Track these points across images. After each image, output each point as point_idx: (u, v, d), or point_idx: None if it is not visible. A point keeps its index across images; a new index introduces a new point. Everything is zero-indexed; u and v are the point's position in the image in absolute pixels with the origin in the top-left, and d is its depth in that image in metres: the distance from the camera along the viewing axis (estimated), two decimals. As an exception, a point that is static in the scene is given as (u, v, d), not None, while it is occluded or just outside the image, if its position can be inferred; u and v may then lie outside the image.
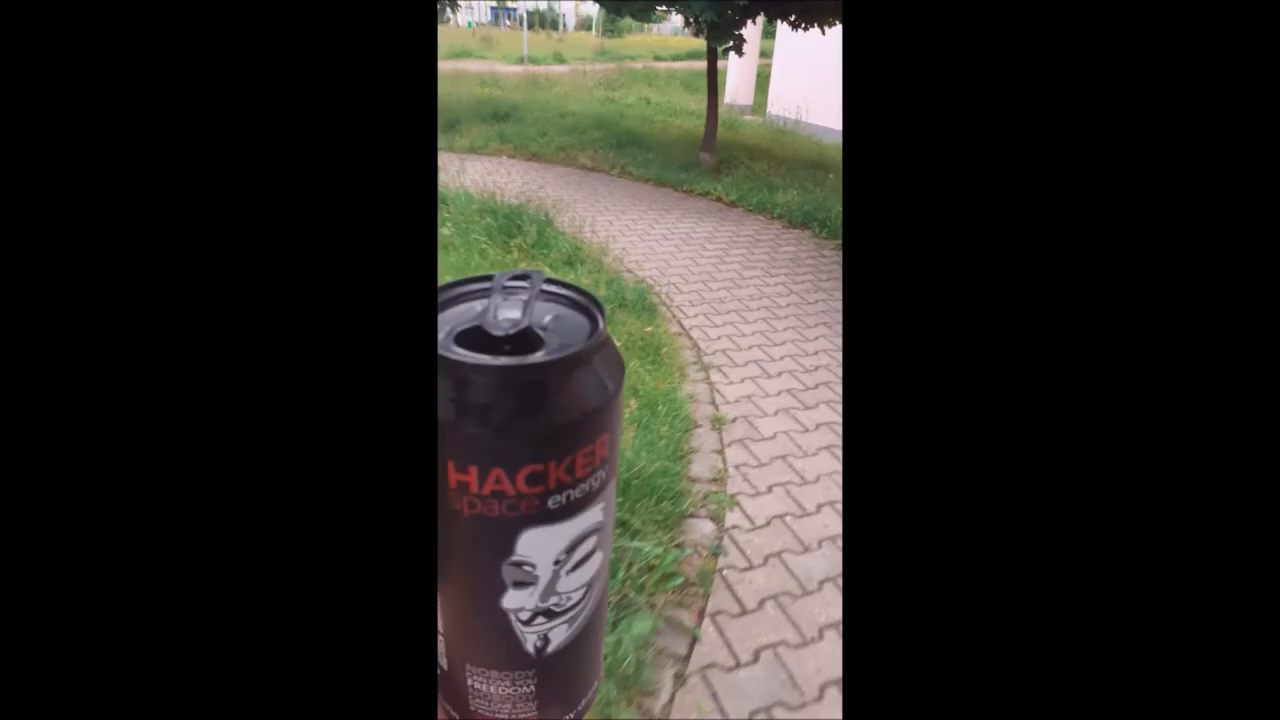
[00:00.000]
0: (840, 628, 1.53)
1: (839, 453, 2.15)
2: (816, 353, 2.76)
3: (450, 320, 0.22)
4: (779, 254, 3.80)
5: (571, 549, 0.23)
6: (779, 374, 2.62)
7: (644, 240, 3.98)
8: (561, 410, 0.21)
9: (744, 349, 2.80)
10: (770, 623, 1.56)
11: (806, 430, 2.27)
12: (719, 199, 4.88)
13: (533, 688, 0.24)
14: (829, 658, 1.44)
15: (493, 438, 0.20)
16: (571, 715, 0.26)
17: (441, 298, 0.24)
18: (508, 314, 0.23)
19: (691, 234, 4.18)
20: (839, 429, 2.27)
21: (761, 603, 1.61)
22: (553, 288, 0.25)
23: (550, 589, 0.23)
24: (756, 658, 1.46)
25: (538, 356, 0.21)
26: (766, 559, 1.74)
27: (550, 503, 0.21)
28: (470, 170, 4.87)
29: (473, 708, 0.25)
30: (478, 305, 0.24)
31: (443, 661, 0.25)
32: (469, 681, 0.24)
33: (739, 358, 2.73)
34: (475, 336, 0.21)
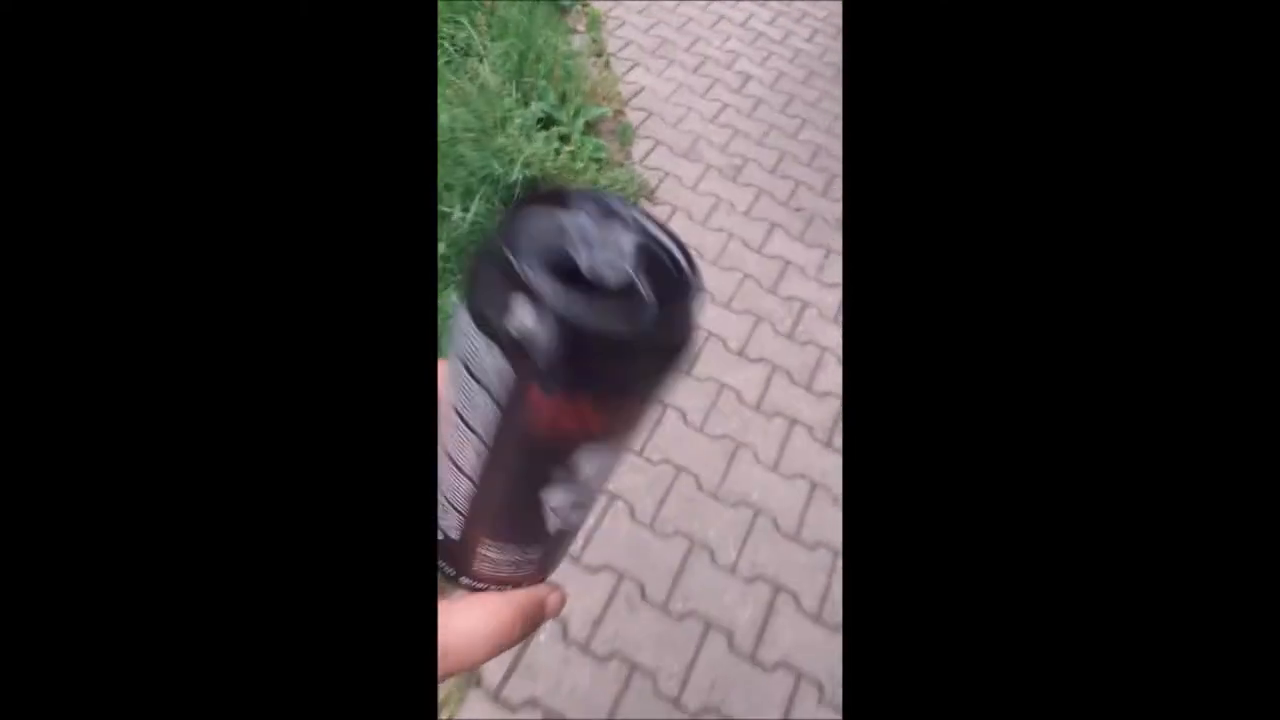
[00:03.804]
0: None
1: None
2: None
3: (530, 235, 0.21)
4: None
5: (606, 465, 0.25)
6: None
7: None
8: (645, 373, 0.22)
9: None
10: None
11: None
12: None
13: (539, 555, 0.27)
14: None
15: (582, 374, 0.20)
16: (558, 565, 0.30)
17: (518, 209, 0.22)
18: (604, 254, 0.21)
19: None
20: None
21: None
22: (643, 221, 0.23)
23: (587, 489, 0.25)
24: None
25: (644, 326, 0.21)
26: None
27: (602, 426, 0.22)
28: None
29: (475, 568, 0.27)
30: (558, 221, 0.22)
31: (453, 534, 0.26)
32: (480, 550, 0.26)
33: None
34: (562, 267, 0.20)
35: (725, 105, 2.29)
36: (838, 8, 2.76)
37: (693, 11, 2.61)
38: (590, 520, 0.31)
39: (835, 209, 2.06)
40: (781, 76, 2.46)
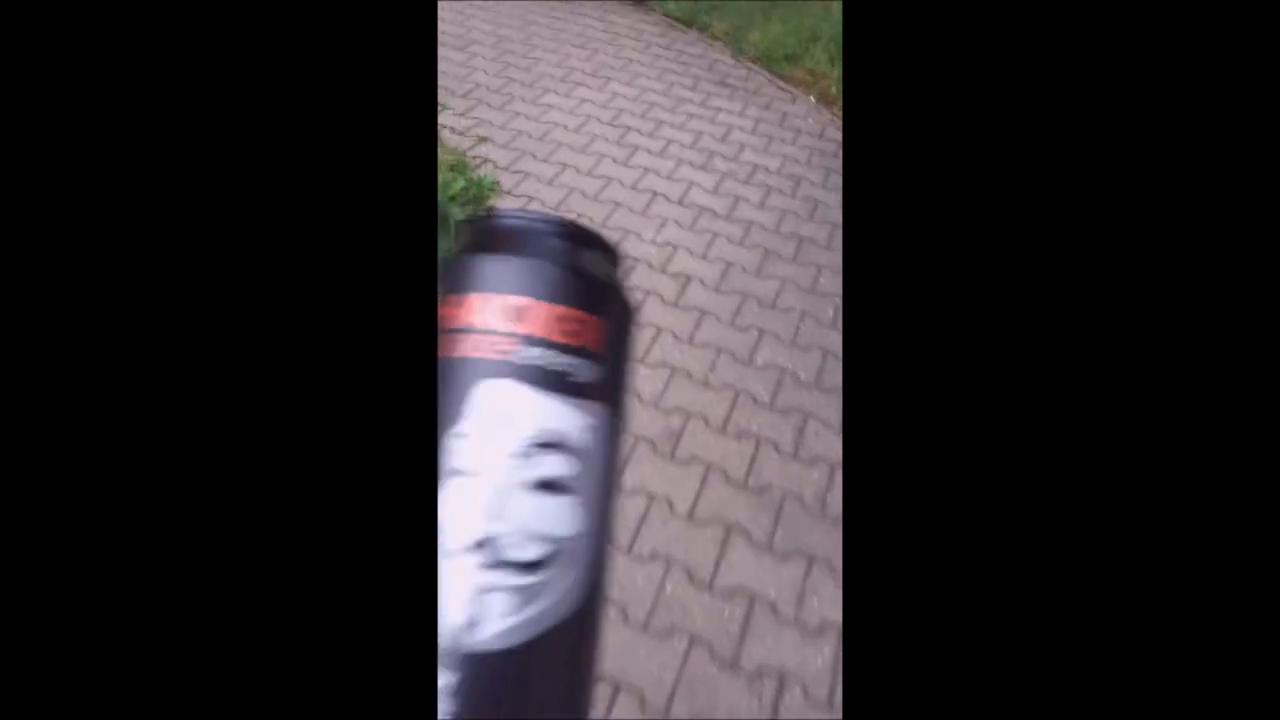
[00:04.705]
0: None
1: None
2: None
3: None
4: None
5: (540, 449, 0.20)
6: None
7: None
8: (565, 259, 0.21)
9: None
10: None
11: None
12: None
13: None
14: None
15: (493, 261, 0.20)
16: None
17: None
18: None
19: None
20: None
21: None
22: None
23: (500, 505, 0.19)
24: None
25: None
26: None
27: (521, 354, 0.19)
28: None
29: None
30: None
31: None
32: None
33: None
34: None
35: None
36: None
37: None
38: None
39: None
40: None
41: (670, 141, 2.53)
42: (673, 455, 1.50)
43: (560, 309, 0.20)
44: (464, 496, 0.18)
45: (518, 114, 2.55)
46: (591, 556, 0.19)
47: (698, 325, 1.82)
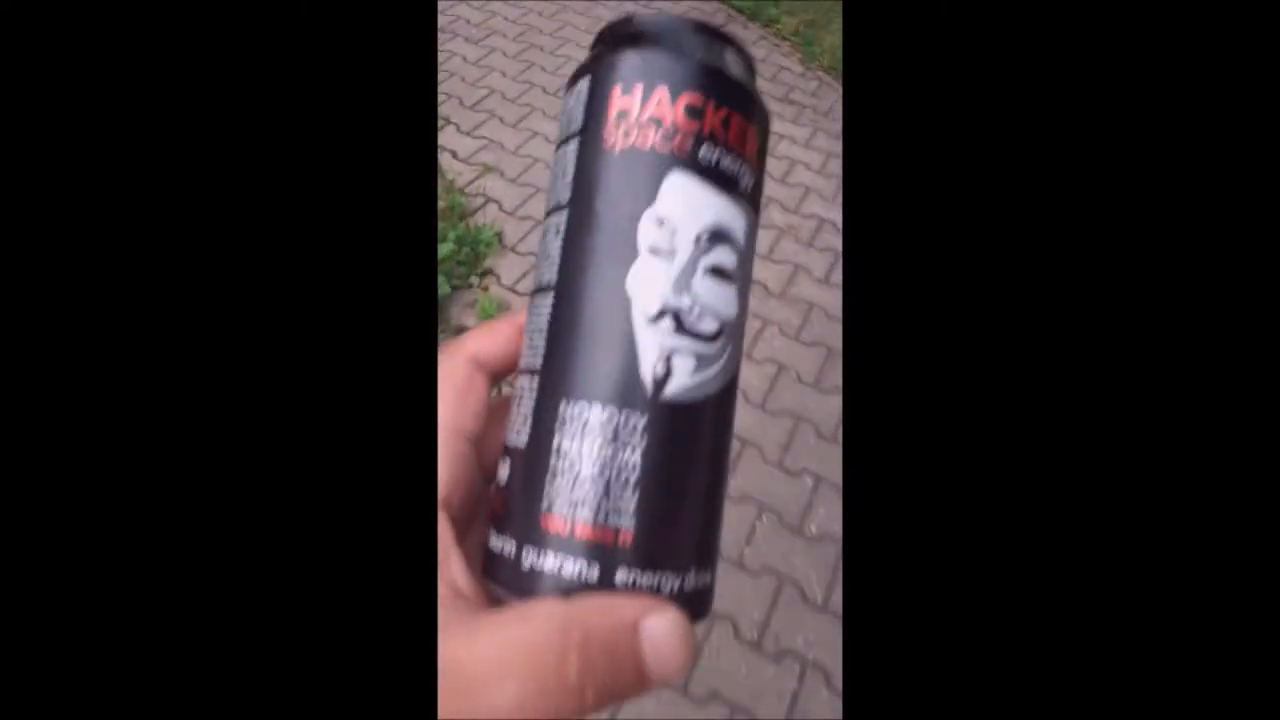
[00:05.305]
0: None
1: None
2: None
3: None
4: None
5: (714, 240, 0.21)
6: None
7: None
8: (729, 64, 0.22)
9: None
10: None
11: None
12: None
13: (637, 454, 0.19)
14: None
15: (663, 56, 0.21)
16: (676, 580, 0.19)
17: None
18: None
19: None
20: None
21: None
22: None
23: (685, 279, 0.20)
24: None
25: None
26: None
27: (702, 152, 0.21)
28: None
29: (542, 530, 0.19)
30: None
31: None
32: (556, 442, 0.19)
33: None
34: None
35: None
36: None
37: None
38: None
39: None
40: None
41: (718, 182, 2.07)
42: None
43: (727, 112, 0.21)
44: (656, 272, 0.20)
45: (535, 133, 2.09)
46: (742, 338, 0.22)
47: (739, 456, 1.41)
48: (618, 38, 0.22)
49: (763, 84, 2.45)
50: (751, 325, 1.67)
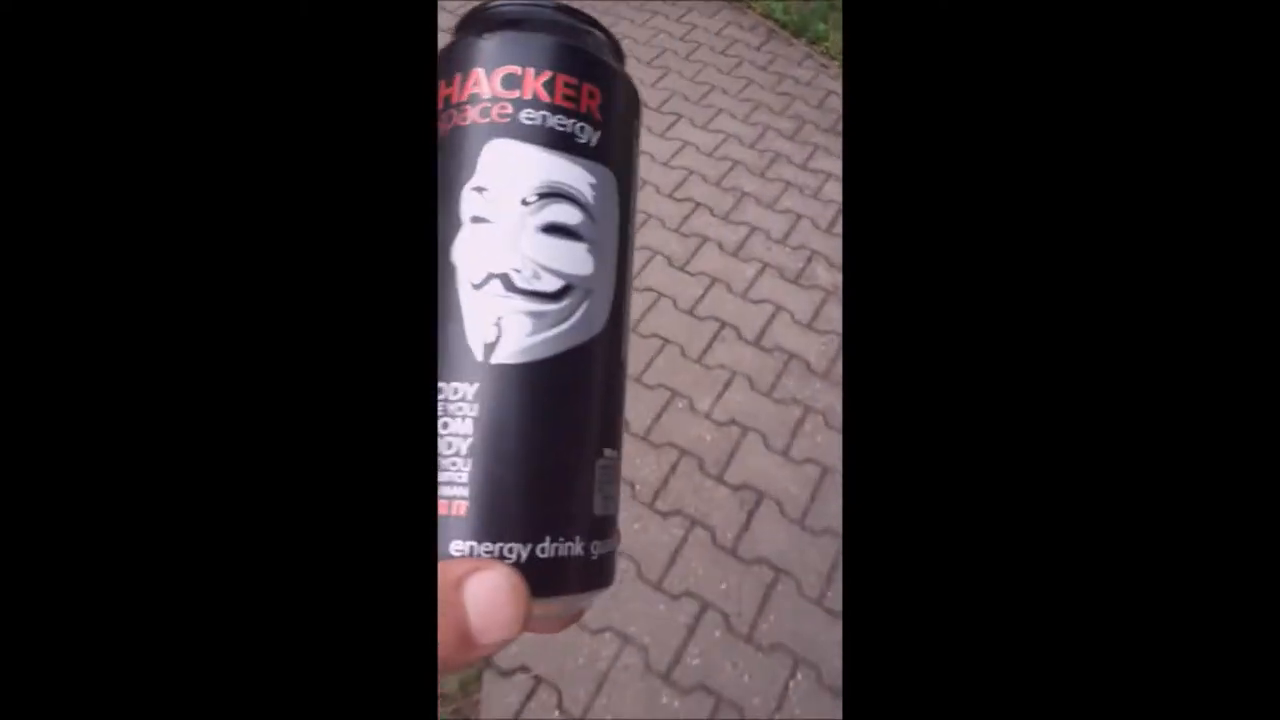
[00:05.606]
0: None
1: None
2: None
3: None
4: None
5: (546, 198, 0.20)
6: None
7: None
8: (550, 29, 0.22)
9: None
10: None
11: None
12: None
13: (468, 423, 0.19)
14: None
15: (472, 40, 0.21)
16: (525, 549, 0.19)
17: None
18: None
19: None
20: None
21: None
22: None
23: (511, 241, 0.20)
24: None
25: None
26: None
27: (523, 116, 0.20)
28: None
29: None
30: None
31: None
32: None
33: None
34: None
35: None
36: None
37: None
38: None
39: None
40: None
41: (753, 230, 1.75)
42: None
43: (550, 74, 0.21)
44: (479, 239, 0.20)
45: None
46: (609, 297, 0.21)
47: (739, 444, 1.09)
48: (460, 30, 0.23)
49: (807, 111, 2.13)
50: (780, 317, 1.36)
